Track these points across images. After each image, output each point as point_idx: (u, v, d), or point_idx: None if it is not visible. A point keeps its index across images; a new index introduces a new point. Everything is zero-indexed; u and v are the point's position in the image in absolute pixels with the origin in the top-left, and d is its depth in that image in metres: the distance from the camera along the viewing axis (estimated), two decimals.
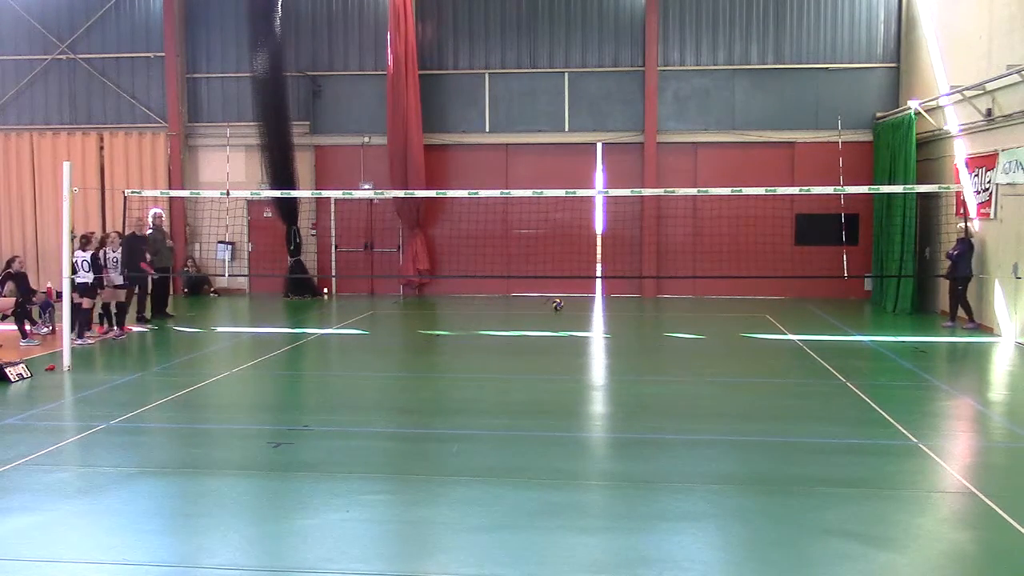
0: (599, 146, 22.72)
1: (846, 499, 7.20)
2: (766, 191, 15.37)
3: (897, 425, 9.44)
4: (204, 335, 16.53)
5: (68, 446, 8.77)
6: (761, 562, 6.03)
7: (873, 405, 10.35)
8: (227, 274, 18.37)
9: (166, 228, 19.53)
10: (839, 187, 15.92)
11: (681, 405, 10.81)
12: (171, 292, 19.51)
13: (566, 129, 22.78)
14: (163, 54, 23.25)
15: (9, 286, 15.76)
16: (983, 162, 16.60)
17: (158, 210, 18.67)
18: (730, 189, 16.02)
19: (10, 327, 15.21)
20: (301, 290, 22.61)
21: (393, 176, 21.89)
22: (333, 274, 23.36)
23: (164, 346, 15.70)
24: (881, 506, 7.08)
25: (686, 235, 21.95)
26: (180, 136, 23.38)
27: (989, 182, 16.29)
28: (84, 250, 14.90)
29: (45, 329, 15.87)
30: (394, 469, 8.26)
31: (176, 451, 8.79)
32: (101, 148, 23.59)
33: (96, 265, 15.00)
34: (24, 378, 11.74)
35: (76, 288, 14.30)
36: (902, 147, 19.07)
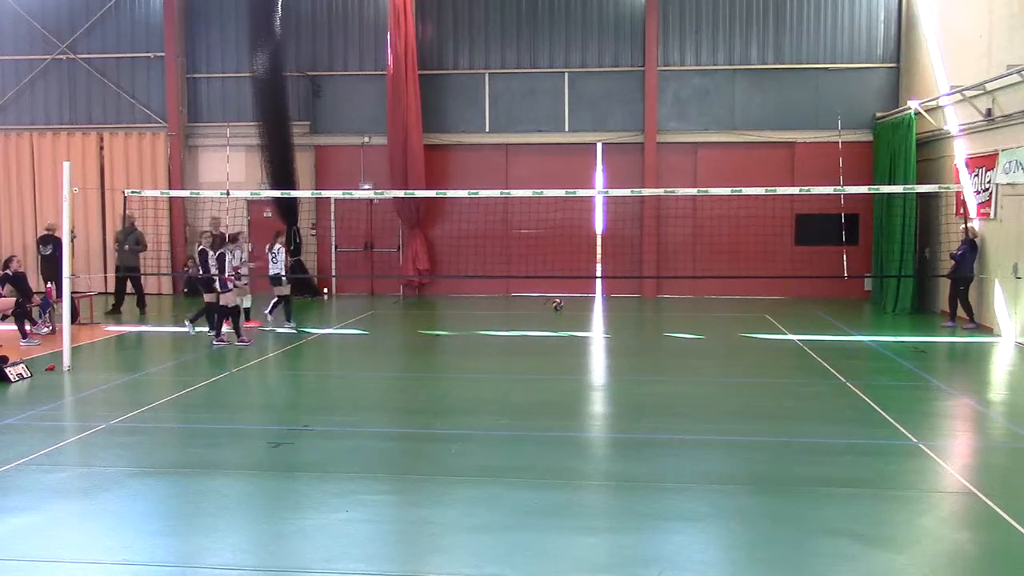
0: (599, 146, 22.72)
1: (846, 499, 7.20)
2: (766, 191, 15.36)
3: (897, 425, 9.44)
4: (202, 335, 16.49)
5: (68, 446, 8.77)
6: (761, 562, 6.03)
7: (873, 405, 10.35)
8: (227, 274, 18.34)
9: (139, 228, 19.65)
10: (839, 187, 15.88)
11: (681, 405, 10.81)
12: (135, 292, 19.35)
13: (566, 129, 22.78)
14: (163, 54, 23.24)
15: (9, 286, 15.76)
16: (983, 162, 16.60)
17: (129, 211, 18.97)
18: (730, 189, 16.01)
19: (10, 327, 15.21)
20: (301, 290, 22.57)
21: (393, 176, 21.88)
22: (333, 274, 23.35)
23: (166, 346, 15.71)
24: (881, 506, 7.08)
25: (686, 235, 21.95)
26: (180, 136, 23.38)
27: (989, 182, 16.29)
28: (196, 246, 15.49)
29: (45, 329, 15.87)
30: (394, 469, 8.26)
31: (176, 451, 8.79)
32: (101, 148, 23.59)
33: (206, 264, 15.12)
34: (24, 378, 11.74)
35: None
36: (902, 147, 19.07)
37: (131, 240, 19.01)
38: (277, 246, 16.84)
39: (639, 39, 22.37)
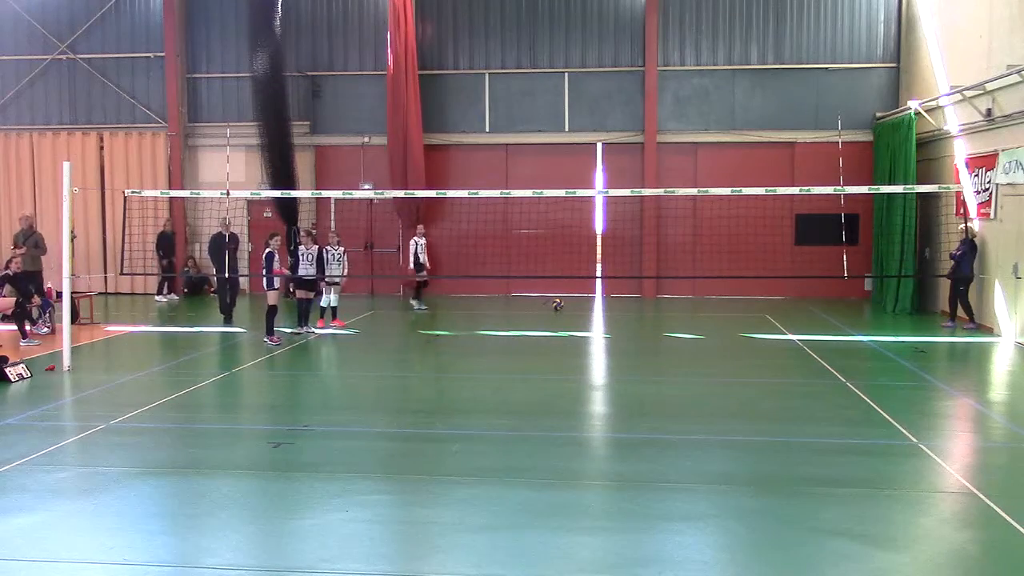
0: (599, 146, 22.72)
1: (846, 499, 7.20)
2: (766, 191, 15.34)
3: (897, 425, 9.44)
4: (203, 335, 16.51)
5: (68, 446, 8.77)
6: (761, 562, 6.03)
7: (873, 405, 10.35)
8: (227, 274, 18.35)
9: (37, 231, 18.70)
10: (839, 187, 15.88)
11: (681, 405, 10.81)
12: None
13: (566, 129, 22.78)
14: (163, 54, 23.25)
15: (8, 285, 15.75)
16: (983, 162, 16.60)
17: (27, 212, 19.07)
18: (730, 189, 15.99)
19: (10, 327, 15.21)
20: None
21: (393, 176, 21.88)
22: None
23: (166, 346, 15.72)
24: (881, 506, 7.08)
25: (686, 235, 21.95)
26: (180, 136, 23.38)
27: (989, 182, 16.29)
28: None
29: (45, 329, 15.87)
30: (394, 469, 8.26)
31: (176, 451, 8.78)
32: (101, 148, 23.60)
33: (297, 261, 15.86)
34: (24, 378, 11.74)
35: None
36: (902, 147, 19.08)
37: (30, 243, 17.86)
38: (418, 235, 19.62)
39: (639, 39, 22.37)
